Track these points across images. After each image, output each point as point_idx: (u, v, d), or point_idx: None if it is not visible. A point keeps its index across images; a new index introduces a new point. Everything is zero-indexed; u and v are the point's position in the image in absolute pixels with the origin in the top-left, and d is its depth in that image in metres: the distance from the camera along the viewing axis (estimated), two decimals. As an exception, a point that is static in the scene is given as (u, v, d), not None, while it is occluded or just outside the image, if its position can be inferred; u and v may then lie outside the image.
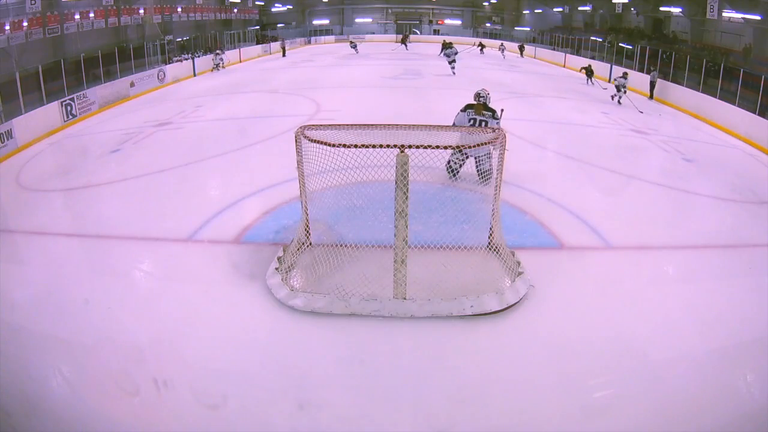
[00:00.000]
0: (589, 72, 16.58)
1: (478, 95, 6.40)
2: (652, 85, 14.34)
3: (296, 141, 4.22)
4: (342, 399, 3.07)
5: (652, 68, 15.11)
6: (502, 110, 6.29)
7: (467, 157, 6.04)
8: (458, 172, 6.18)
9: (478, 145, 4.32)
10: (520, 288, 4.01)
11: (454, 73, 16.71)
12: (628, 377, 3.26)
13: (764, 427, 2.95)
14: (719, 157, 8.71)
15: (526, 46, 25.96)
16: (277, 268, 4.22)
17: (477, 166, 6.00)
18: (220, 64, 19.41)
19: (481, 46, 26.53)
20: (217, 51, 20.18)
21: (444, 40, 22.56)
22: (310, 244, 4.60)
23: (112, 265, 4.65)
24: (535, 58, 24.74)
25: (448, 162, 6.14)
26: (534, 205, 5.68)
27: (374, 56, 23.11)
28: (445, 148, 4.07)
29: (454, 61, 17.16)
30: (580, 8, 27.06)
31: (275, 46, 26.66)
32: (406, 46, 27.39)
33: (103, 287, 4.24)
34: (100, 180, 6.90)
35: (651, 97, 14.26)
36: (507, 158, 4.50)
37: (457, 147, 4.26)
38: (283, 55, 24.96)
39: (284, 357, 3.41)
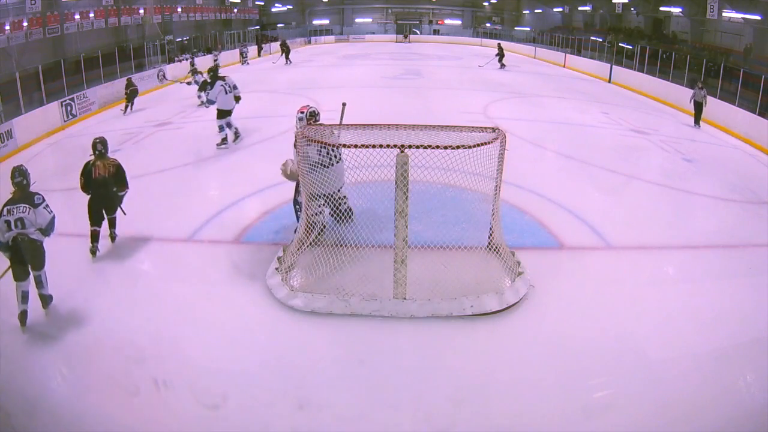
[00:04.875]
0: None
1: (313, 114, 4.93)
2: (698, 106, 10.50)
3: (296, 141, 4.22)
4: (342, 399, 3.07)
5: (699, 84, 10.81)
6: (344, 104, 4.82)
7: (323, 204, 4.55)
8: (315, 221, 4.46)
9: (478, 145, 4.20)
10: (520, 288, 4.01)
11: None
12: (628, 377, 3.26)
13: (764, 426, 2.96)
14: (719, 157, 8.70)
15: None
16: (277, 268, 4.23)
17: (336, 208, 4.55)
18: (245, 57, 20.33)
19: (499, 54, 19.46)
20: (242, 49, 21.13)
21: None
22: (310, 244, 4.60)
23: (112, 265, 4.65)
24: (534, 57, 24.71)
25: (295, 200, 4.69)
26: (534, 205, 5.68)
27: (374, 56, 23.08)
28: (445, 148, 4.05)
29: None
30: (580, 8, 27.08)
31: (275, 46, 23.52)
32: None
33: (103, 287, 4.25)
34: (100, 180, 6.88)
35: (697, 123, 10.64)
36: (507, 157, 4.49)
37: (458, 147, 4.18)
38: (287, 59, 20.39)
39: (284, 357, 3.42)
